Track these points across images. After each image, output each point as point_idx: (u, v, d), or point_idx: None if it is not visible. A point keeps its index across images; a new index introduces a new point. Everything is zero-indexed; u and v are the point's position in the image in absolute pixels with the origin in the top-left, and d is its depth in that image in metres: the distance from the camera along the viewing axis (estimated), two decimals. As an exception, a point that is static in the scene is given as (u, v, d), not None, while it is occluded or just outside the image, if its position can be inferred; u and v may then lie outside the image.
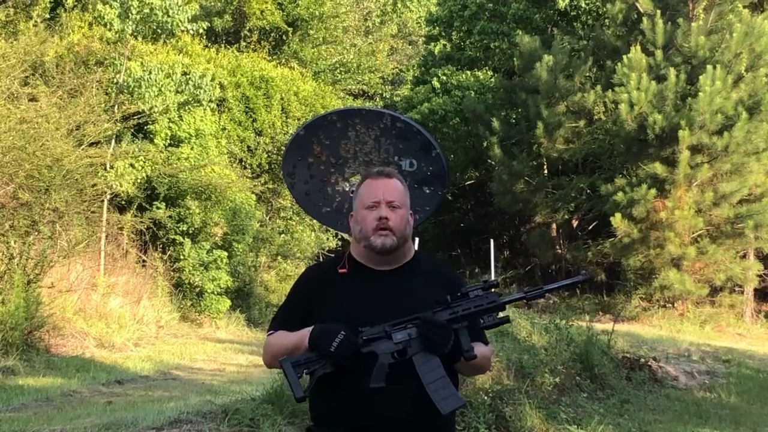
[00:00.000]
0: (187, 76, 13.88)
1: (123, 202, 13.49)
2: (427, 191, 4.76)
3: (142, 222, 13.13)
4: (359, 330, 2.31)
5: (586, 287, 18.46)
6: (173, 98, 13.35)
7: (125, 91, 12.99)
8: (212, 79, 14.97)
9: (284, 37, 22.39)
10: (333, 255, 2.69)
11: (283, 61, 21.43)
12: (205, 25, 14.70)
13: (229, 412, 5.25)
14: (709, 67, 14.98)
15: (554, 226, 20.12)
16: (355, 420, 2.33)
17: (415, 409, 2.32)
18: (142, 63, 13.41)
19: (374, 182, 2.49)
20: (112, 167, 12.63)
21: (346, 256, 2.51)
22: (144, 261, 13.58)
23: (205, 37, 18.00)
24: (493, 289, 2.42)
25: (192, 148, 14.03)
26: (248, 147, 17.55)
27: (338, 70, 24.56)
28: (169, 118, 13.76)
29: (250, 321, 14.96)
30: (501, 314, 2.40)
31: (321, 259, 16.40)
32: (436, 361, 2.29)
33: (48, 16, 14.25)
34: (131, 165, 12.84)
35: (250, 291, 15.99)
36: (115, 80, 13.07)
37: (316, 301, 2.44)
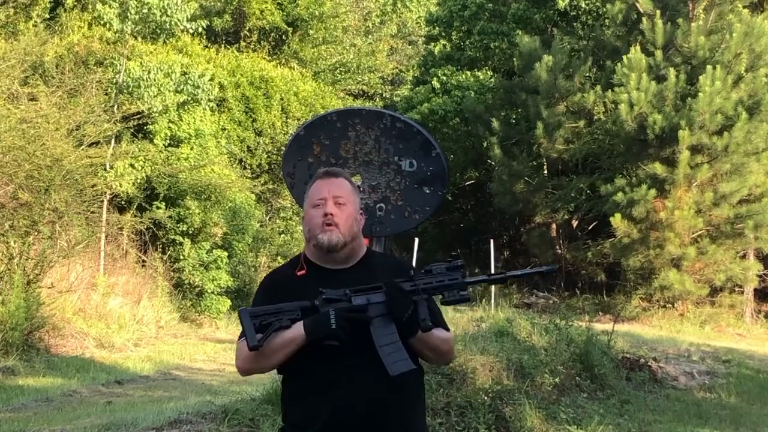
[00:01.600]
0: (186, 76, 13.88)
1: (123, 203, 13.48)
2: (427, 191, 4.76)
3: (141, 222, 13.13)
4: (321, 291, 2.36)
5: (585, 287, 18.46)
6: (172, 98, 13.35)
7: (125, 91, 12.99)
8: (211, 79, 14.97)
9: (284, 37, 22.38)
10: (288, 259, 2.72)
11: (283, 61, 21.42)
12: (204, 24, 14.70)
13: (228, 412, 5.26)
14: (708, 67, 14.98)
15: (554, 226, 20.11)
16: (315, 416, 2.38)
17: (375, 406, 2.37)
18: (141, 63, 13.41)
19: (321, 182, 2.52)
20: (111, 167, 12.64)
21: (302, 259, 2.54)
22: (144, 261, 13.57)
23: (204, 37, 18.00)
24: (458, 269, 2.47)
25: (192, 148, 14.03)
26: (248, 147, 17.55)
27: (338, 70, 24.55)
28: (169, 119, 13.76)
29: (250, 321, 14.94)
30: (462, 293, 2.45)
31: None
32: (392, 328, 2.35)
33: (48, 16, 14.25)
34: (131, 165, 12.84)
35: (250, 291, 15.98)
36: (114, 80, 13.07)
37: (281, 299, 2.45)
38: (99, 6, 13.06)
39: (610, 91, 16.51)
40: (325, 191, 2.49)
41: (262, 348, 2.35)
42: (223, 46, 19.89)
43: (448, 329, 2.54)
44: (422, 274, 2.43)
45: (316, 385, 2.39)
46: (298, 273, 2.50)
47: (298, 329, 2.36)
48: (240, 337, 2.44)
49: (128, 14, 12.88)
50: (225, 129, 16.67)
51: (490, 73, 21.96)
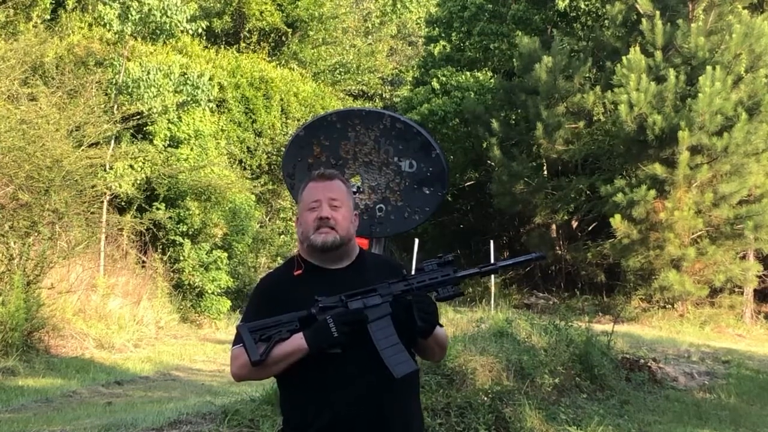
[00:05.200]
0: (185, 76, 13.88)
1: (123, 203, 13.49)
2: (427, 192, 4.76)
3: (141, 223, 13.12)
4: (316, 299, 2.38)
5: (585, 288, 18.45)
6: (171, 98, 13.34)
7: (124, 91, 12.99)
8: (211, 80, 14.96)
9: (284, 38, 22.40)
10: (284, 262, 2.73)
11: (283, 62, 21.44)
12: (204, 24, 14.69)
13: (228, 413, 5.26)
14: (708, 68, 14.98)
15: (554, 227, 20.11)
16: (314, 419, 2.38)
17: (373, 408, 2.38)
18: (140, 63, 13.41)
19: (315, 185, 2.55)
20: (111, 168, 12.63)
21: (297, 259, 2.56)
22: (144, 262, 13.57)
23: (204, 37, 18.01)
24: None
25: (191, 149, 14.03)
26: (248, 148, 17.55)
27: (338, 71, 24.56)
28: (169, 119, 13.76)
29: (250, 322, 14.92)
30: (455, 287, 2.50)
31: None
32: (391, 329, 2.37)
33: (48, 16, 14.26)
34: (131, 166, 12.84)
35: (250, 292, 15.97)
36: (114, 81, 13.08)
37: (276, 304, 2.46)
38: (100, 7, 13.07)
39: (609, 91, 16.51)
40: (319, 194, 2.51)
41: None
42: (222, 46, 19.90)
43: (441, 325, 2.58)
44: (415, 273, 2.47)
45: (314, 390, 2.39)
46: (295, 273, 2.52)
47: (298, 342, 2.36)
48: (234, 344, 2.45)
49: (129, 15, 12.88)
50: (224, 130, 16.68)
51: (489, 73, 21.95)
